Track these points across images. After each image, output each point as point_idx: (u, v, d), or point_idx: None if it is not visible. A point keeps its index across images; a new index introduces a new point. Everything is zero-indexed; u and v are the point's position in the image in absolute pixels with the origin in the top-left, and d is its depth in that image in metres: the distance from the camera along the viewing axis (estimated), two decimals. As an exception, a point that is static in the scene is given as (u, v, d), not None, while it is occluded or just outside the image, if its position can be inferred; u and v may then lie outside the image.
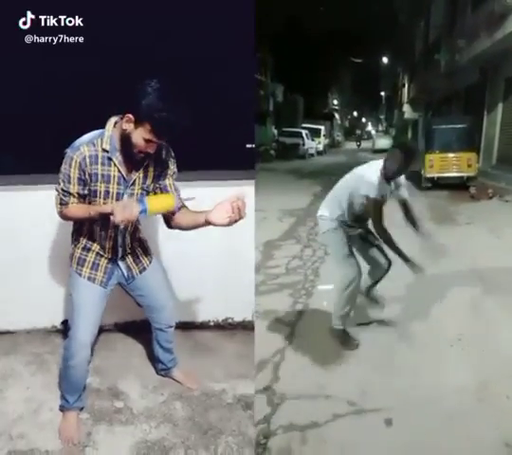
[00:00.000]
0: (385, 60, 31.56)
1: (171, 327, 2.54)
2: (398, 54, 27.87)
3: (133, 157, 2.00)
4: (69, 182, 2.02)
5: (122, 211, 1.86)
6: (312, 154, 22.71)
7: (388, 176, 2.75)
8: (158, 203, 1.97)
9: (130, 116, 1.89)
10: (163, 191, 2.18)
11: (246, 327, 3.26)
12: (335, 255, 3.00)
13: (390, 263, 2.99)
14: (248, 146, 3.20)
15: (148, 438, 2.19)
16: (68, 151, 2.00)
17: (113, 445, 2.14)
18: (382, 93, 41.99)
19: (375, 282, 3.16)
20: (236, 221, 1.93)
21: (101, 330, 2.70)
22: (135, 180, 2.09)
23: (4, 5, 2.59)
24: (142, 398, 2.49)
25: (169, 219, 2.18)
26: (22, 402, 2.41)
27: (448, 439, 2.07)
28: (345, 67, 37.91)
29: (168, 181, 2.19)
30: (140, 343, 2.96)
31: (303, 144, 21.23)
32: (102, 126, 2.03)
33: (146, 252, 2.38)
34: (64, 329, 2.60)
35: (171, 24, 2.85)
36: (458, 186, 9.34)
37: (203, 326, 3.27)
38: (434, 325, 3.16)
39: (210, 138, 2.93)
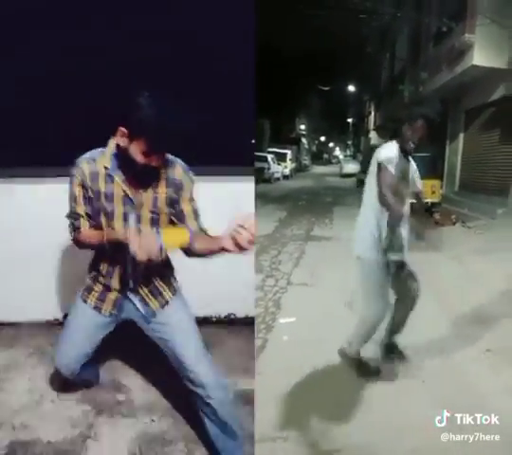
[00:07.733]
0: (352, 88, 32.57)
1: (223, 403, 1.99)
2: (365, 83, 28.85)
3: (137, 174, 1.79)
4: (75, 202, 1.88)
5: (140, 243, 1.61)
6: (278, 179, 22.93)
7: (407, 149, 2.62)
8: (173, 238, 1.74)
9: (122, 129, 1.70)
10: (178, 216, 1.94)
11: (249, 323, 3.27)
12: (366, 285, 2.64)
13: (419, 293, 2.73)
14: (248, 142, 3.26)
15: (149, 431, 2.19)
16: (72, 169, 1.88)
17: (114, 436, 2.16)
18: (349, 120, 43.15)
19: (400, 324, 2.83)
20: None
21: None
22: (143, 201, 1.87)
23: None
24: (144, 391, 2.50)
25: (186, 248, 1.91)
26: (24, 393, 2.44)
27: None
28: (313, 94, 38.90)
29: (185, 206, 1.93)
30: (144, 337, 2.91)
31: (269, 168, 21.46)
32: (105, 125, 1.84)
33: (167, 282, 2.10)
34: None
35: (170, 25, 2.94)
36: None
37: (205, 322, 3.23)
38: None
39: (208, 135, 2.95)
